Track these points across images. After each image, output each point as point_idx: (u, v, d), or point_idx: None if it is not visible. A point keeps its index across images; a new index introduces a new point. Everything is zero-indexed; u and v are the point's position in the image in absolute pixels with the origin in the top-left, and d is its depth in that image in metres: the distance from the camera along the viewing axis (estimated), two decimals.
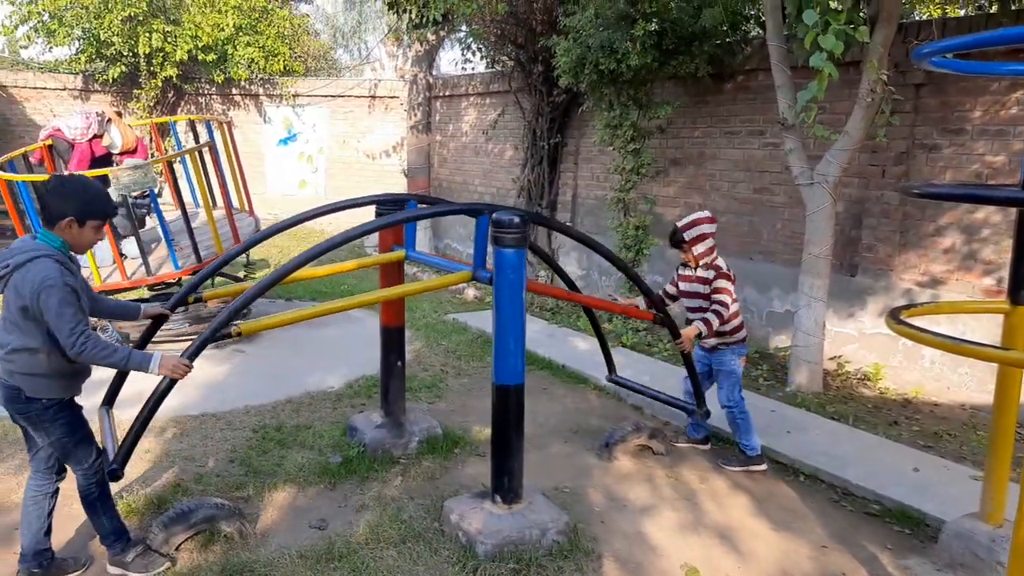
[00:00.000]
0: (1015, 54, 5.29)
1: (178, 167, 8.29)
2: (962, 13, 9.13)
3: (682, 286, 4.65)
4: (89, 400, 3.35)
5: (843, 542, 3.75)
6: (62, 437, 3.08)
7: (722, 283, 4.41)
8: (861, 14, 5.45)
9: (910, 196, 4.02)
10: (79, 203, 2.94)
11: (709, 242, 4.45)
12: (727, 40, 7.29)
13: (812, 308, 5.90)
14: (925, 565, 3.52)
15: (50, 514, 3.24)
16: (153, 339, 3.89)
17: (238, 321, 3.20)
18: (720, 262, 4.50)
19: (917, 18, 8.87)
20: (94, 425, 3.29)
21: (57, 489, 3.27)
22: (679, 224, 4.50)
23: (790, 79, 5.83)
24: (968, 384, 5.73)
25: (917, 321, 3.21)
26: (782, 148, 6.19)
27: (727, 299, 4.39)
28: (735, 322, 4.52)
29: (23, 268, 2.84)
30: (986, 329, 5.48)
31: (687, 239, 4.43)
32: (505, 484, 3.58)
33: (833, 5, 4.52)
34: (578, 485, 4.28)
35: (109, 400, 3.79)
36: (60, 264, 2.88)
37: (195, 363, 3.08)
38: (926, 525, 3.85)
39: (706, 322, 4.32)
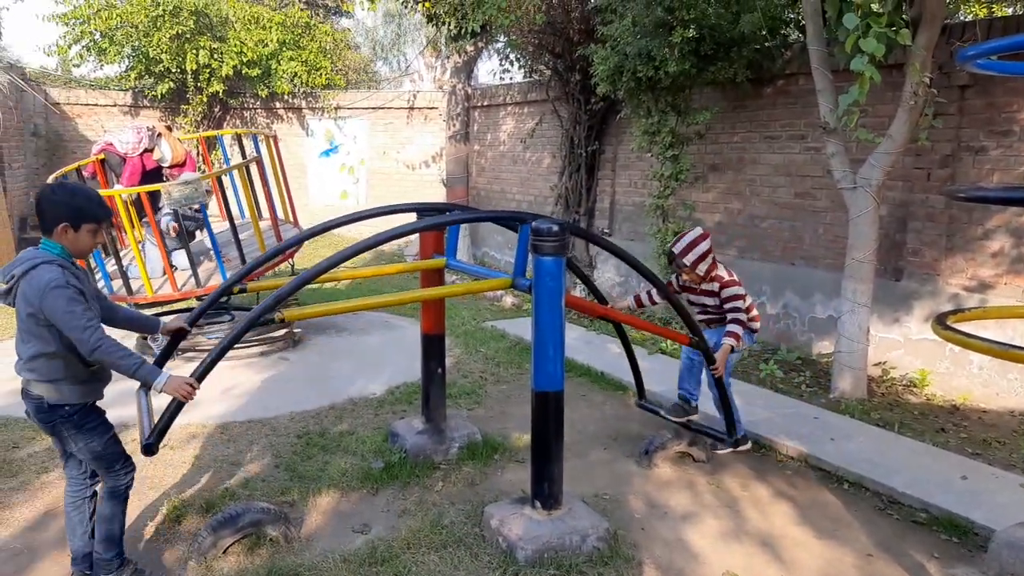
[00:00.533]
0: None
1: (225, 180, 8.49)
2: (1010, 12, 8.94)
3: (689, 297, 4.67)
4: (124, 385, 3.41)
5: (889, 551, 3.69)
6: (89, 443, 3.12)
7: (730, 291, 4.44)
8: (904, 16, 5.38)
9: (956, 200, 3.95)
10: (71, 208, 2.96)
11: (709, 259, 4.45)
12: (766, 45, 7.24)
13: (856, 313, 5.81)
14: (974, 575, 3.45)
15: (91, 518, 3.30)
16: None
17: (281, 309, 3.25)
18: (720, 271, 4.50)
19: (962, 18, 8.71)
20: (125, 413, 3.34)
21: (94, 493, 3.32)
22: (675, 250, 4.47)
23: (831, 83, 5.77)
24: (1017, 390, 5.59)
25: (964, 326, 3.16)
26: (823, 152, 6.13)
27: (741, 304, 4.44)
28: (751, 313, 4.58)
29: (27, 276, 2.89)
30: None
31: (688, 264, 4.42)
32: (545, 490, 3.60)
33: (875, 7, 4.46)
34: (618, 492, 4.28)
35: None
36: (62, 268, 2.92)
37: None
38: (975, 534, 3.77)
39: (732, 335, 4.35)
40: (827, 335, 6.80)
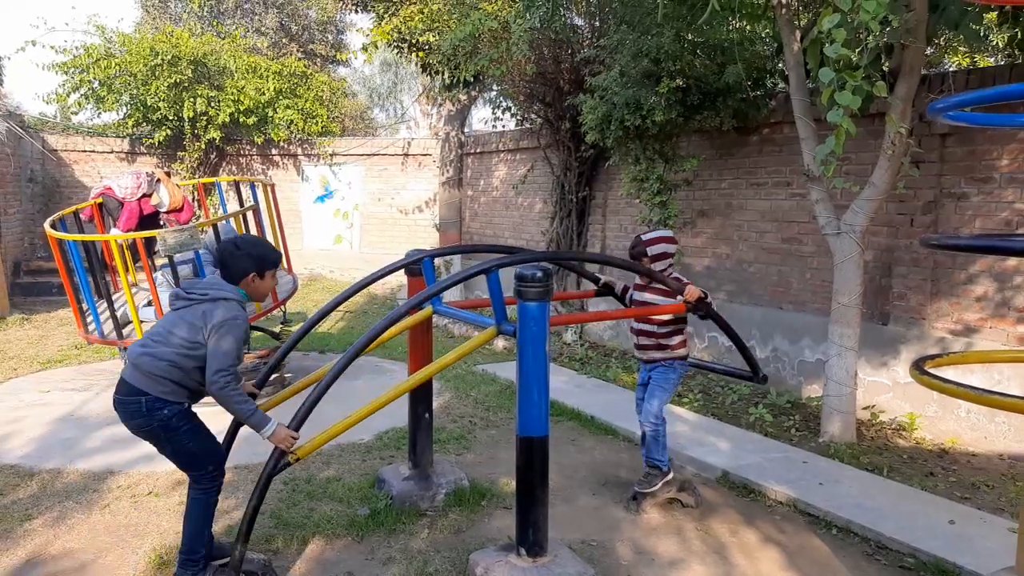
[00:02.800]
0: None
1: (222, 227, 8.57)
2: (992, 62, 9.17)
3: (634, 294, 4.63)
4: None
5: None
6: (187, 443, 3.33)
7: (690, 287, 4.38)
8: (884, 67, 5.53)
9: (929, 247, 4.01)
10: (256, 259, 3.42)
11: (667, 262, 4.46)
12: (751, 95, 7.41)
13: (843, 357, 5.85)
14: None
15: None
16: None
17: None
18: (679, 276, 4.53)
19: (947, 67, 8.92)
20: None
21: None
22: (643, 237, 4.51)
23: (814, 131, 5.90)
24: (1006, 433, 5.60)
25: (946, 371, 3.20)
26: (808, 198, 6.23)
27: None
28: (680, 337, 4.55)
29: (220, 302, 3.28)
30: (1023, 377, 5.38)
31: (649, 253, 4.43)
32: (530, 537, 3.59)
33: (854, 59, 4.59)
34: (606, 538, 4.26)
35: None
36: (246, 316, 3.39)
37: (228, 417, 3.36)
38: None
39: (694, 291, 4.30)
40: (816, 379, 6.83)
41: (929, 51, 6.62)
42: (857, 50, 4.67)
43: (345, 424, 3.52)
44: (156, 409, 3.26)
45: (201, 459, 3.40)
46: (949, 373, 3.32)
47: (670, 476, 4.59)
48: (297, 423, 3.34)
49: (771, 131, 7.51)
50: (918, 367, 2.92)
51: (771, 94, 7.49)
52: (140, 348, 3.33)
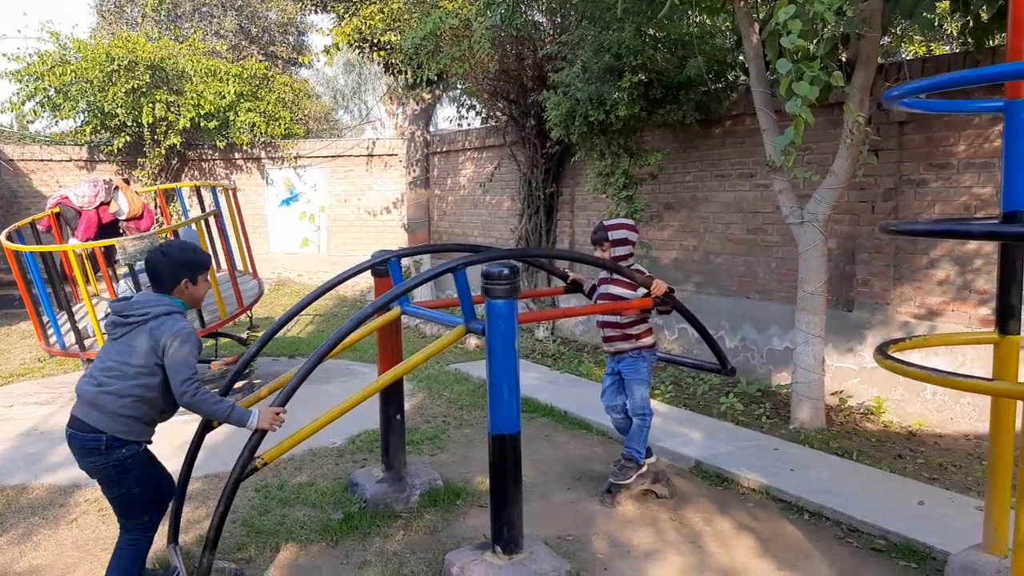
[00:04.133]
0: (995, 90, 5.41)
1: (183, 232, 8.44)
2: (947, 50, 9.33)
3: (600, 289, 4.62)
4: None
5: None
6: (134, 487, 3.20)
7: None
8: (841, 57, 5.61)
9: (888, 234, 4.06)
10: (186, 264, 3.30)
11: (628, 248, 4.48)
12: (713, 87, 7.46)
13: (810, 344, 5.92)
14: None
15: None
16: None
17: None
18: (640, 268, 4.53)
19: (903, 56, 9.07)
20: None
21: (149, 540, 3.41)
22: (605, 223, 4.53)
23: (775, 122, 5.96)
24: (970, 414, 5.71)
25: (908, 355, 3.25)
26: (772, 189, 6.29)
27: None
28: (645, 326, 4.57)
29: (164, 318, 3.16)
30: (986, 359, 5.48)
31: (611, 238, 4.44)
32: (504, 534, 3.58)
33: (811, 50, 4.64)
34: (581, 533, 4.26)
35: (175, 538, 3.79)
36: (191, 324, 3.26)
37: (195, 426, 3.26)
38: (932, 559, 3.82)
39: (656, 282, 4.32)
40: (785, 366, 6.91)
41: (885, 40, 6.73)
42: (814, 41, 4.71)
43: (314, 427, 3.46)
44: (114, 448, 3.12)
45: (141, 507, 3.25)
46: (914, 357, 3.38)
47: (644, 468, 4.61)
48: (283, 398, 3.32)
49: (733, 123, 7.57)
50: (882, 352, 2.96)
51: (732, 86, 7.55)
52: (96, 387, 3.14)
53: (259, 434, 3.25)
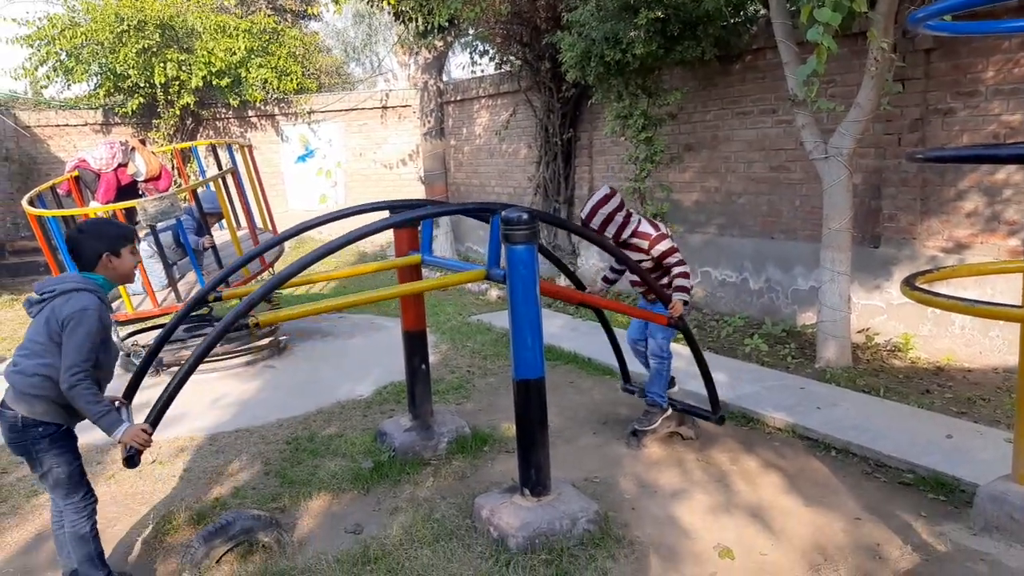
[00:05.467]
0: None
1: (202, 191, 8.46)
2: None
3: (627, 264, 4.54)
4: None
5: (876, 513, 3.72)
6: (56, 466, 3.11)
7: (662, 246, 4.27)
8: None
9: (915, 161, 3.96)
10: (105, 238, 3.12)
11: (617, 219, 4.26)
12: (732, 21, 7.25)
13: (836, 282, 5.85)
14: (960, 530, 3.49)
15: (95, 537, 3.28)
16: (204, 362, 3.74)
17: (256, 314, 3.21)
18: (644, 227, 4.32)
19: None
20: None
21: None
22: (583, 215, 4.33)
23: (797, 55, 5.80)
24: (1000, 347, 5.64)
25: (937, 286, 3.19)
26: (794, 124, 6.15)
27: (679, 256, 4.31)
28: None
29: (68, 295, 3.00)
30: (1016, 292, 5.39)
31: (595, 226, 4.28)
32: (533, 477, 3.62)
33: None
34: (608, 475, 4.30)
35: (127, 396, 3.61)
36: (101, 301, 3.05)
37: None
38: (961, 491, 3.81)
39: (681, 288, 4.25)
40: (810, 306, 6.84)
41: None
42: None
43: (314, 308, 3.47)
44: (29, 426, 3.05)
45: (66, 488, 3.16)
46: (941, 289, 3.32)
47: (668, 412, 4.62)
48: (155, 416, 3.06)
49: (754, 58, 7.38)
50: (909, 283, 2.92)
51: (752, 20, 7.34)
52: (11, 367, 3.07)
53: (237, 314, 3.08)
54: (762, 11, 7.42)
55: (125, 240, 3.19)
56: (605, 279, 4.72)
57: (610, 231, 4.28)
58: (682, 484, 4.16)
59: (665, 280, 4.41)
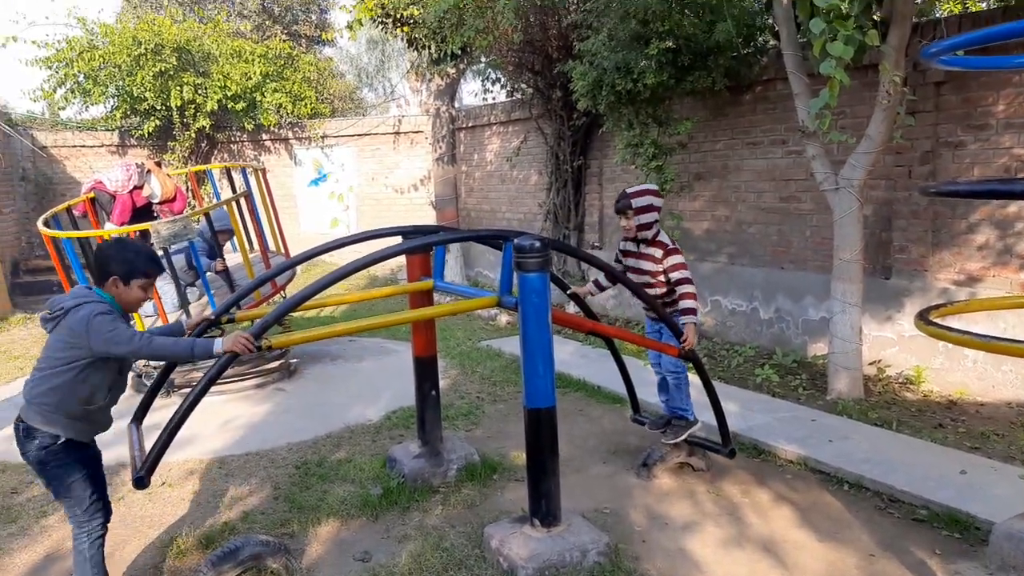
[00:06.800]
0: None
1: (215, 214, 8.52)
2: (984, 6, 9.04)
3: (627, 262, 4.59)
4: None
5: (891, 549, 3.68)
6: (66, 478, 3.16)
7: (675, 259, 4.33)
8: (875, 16, 5.45)
9: (928, 195, 3.98)
10: (121, 263, 3.16)
11: (653, 215, 4.36)
12: (742, 52, 7.31)
13: (847, 314, 5.84)
14: (976, 569, 3.45)
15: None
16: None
17: (268, 337, 3.25)
18: (663, 237, 4.41)
19: (938, 15, 8.80)
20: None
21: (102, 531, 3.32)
22: (628, 190, 4.42)
23: (808, 86, 5.84)
24: (1013, 382, 5.61)
25: (950, 321, 3.18)
26: (805, 155, 6.18)
27: (687, 274, 4.33)
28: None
29: (75, 309, 3.05)
30: None
31: (634, 206, 4.33)
32: (543, 507, 3.60)
33: (843, 9, 4.51)
34: (619, 505, 4.27)
35: (138, 417, 3.77)
36: (109, 306, 3.11)
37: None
38: (976, 528, 3.77)
39: (689, 311, 4.26)
40: (821, 337, 6.82)
41: None
42: (847, 0, 4.59)
43: (327, 331, 3.56)
44: (31, 436, 3.10)
45: (71, 500, 3.19)
46: (954, 323, 3.31)
47: (698, 425, 4.60)
48: (257, 330, 3.17)
49: (764, 89, 7.43)
50: (923, 317, 2.91)
51: (762, 51, 7.40)
52: (28, 385, 3.15)
53: (167, 435, 3.11)
54: (772, 42, 7.49)
55: (139, 274, 3.20)
56: (596, 282, 4.70)
57: (642, 219, 4.34)
58: (693, 516, 4.13)
59: (671, 299, 4.41)
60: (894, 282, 6.40)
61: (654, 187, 4.48)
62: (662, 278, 4.41)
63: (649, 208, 4.36)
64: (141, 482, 3.12)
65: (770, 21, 7.26)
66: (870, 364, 6.35)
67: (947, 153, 6.00)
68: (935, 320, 2.90)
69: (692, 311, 4.27)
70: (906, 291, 6.29)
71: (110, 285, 3.16)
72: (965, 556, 3.58)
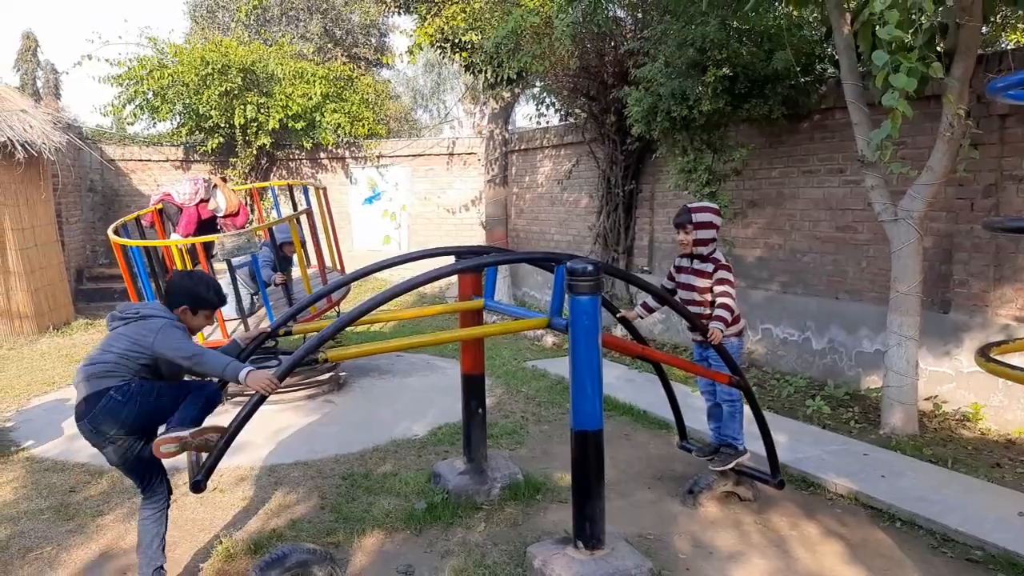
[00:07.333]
0: None
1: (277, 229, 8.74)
2: None
3: (679, 278, 4.60)
4: None
5: None
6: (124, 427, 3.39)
7: (724, 274, 4.37)
8: (938, 47, 5.39)
9: (993, 231, 3.90)
10: (192, 295, 3.53)
11: (712, 232, 4.41)
12: (801, 81, 7.27)
13: (903, 347, 5.71)
14: None
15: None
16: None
17: (325, 350, 3.36)
18: (719, 255, 4.46)
19: (1005, 46, 8.62)
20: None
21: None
22: (690, 205, 4.49)
23: (867, 116, 5.78)
24: None
25: (1011, 358, 3.10)
26: (863, 185, 6.10)
27: (732, 289, 4.34)
28: (740, 323, 4.52)
29: (148, 319, 3.40)
30: None
31: (695, 220, 4.38)
32: (587, 530, 3.59)
33: (907, 41, 4.47)
34: (663, 532, 4.24)
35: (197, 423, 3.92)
36: (180, 324, 3.47)
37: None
38: None
39: (720, 318, 4.24)
40: (875, 370, 6.68)
41: (985, 30, 6.41)
42: (911, 31, 4.56)
43: (382, 347, 3.66)
44: (125, 389, 3.32)
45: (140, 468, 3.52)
46: (1016, 360, 3.22)
47: (746, 455, 4.55)
48: (282, 373, 3.27)
49: (822, 117, 7.36)
50: (983, 354, 2.84)
51: (821, 80, 7.34)
52: (84, 367, 3.39)
53: (224, 443, 3.27)
54: (831, 71, 7.43)
55: (208, 306, 3.59)
56: (644, 304, 4.71)
57: (700, 235, 4.40)
58: (739, 547, 4.07)
59: (709, 312, 4.41)
60: (953, 316, 6.24)
61: (715, 206, 4.53)
62: (709, 296, 4.42)
63: (709, 225, 4.41)
64: (198, 486, 3.24)
65: (830, 51, 7.21)
66: (926, 399, 6.19)
67: (1011, 186, 5.86)
68: (995, 357, 2.83)
69: (723, 319, 4.26)
70: (965, 326, 6.13)
71: (180, 311, 3.51)
72: None
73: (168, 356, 3.33)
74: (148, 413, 3.39)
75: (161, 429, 3.39)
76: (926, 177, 5.49)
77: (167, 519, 3.66)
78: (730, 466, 4.51)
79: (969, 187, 6.08)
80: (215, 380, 3.59)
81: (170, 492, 3.71)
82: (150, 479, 3.60)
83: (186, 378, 3.62)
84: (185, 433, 3.24)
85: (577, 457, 3.60)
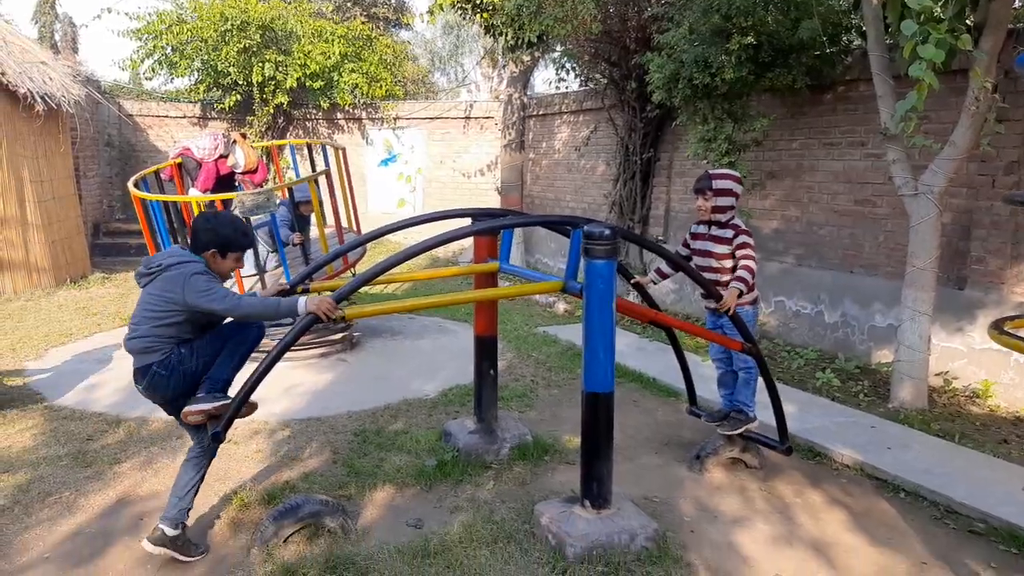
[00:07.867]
0: None
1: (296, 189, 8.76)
2: None
3: (695, 245, 4.57)
4: None
5: (944, 559, 3.63)
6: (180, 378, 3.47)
7: (746, 239, 4.35)
8: (968, 20, 5.29)
9: (1013, 204, 3.86)
10: (220, 237, 3.47)
11: (731, 200, 4.38)
12: (826, 51, 7.16)
13: (916, 322, 5.70)
14: None
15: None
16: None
17: (341, 307, 3.38)
18: (739, 222, 4.43)
19: None
20: None
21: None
22: (711, 171, 4.45)
23: (892, 89, 5.70)
24: None
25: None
26: (884, 158, 6.04)
27: (753, 254, 4.33)
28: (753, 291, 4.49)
29: (173, 268, 3.35)
30: None
31: (714, 187, 4.35)
32: (594, 489, 3.65)
33: (936, 12, 4.40)
34: (668, 496, 4.30)
35: None
36: (204, 267, 3.42)
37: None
38: None
39: (741, 279, 4.23)
40: (887, 344, 6.68)
41: (1017, 4, 6.29)
42: (940, 2, 4.47)
43: (399, 305, 3.73)
44: (167, 363, 3.39)
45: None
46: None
47: (755, 422, 4.58)
48: (340, 295, 3.33)
49: (846, 89, 7.27)
50: (997, 327, 2.85)
51: (847, 50, 7.24)
52: (128, 338, 3.45)
53: (240, 399, 3.32)
54: (857, 42, 7.32)
55: (237, 247, 3.55)
56: (658, 270, 4.70)
57: (720, 201, 4.37)
58: (743, 512, 4.12)
59: (726, 279, 4.38)
60: (968, 293, 6.22)
61: (736, 174, 4.49)
62: (728, 263, 4.41)
63: (728, 192, 4.38)
64: (217, 437, 3.35)
65: (857, 20, 7.09)
66: (936, 375, 6.19)
67: None
68: (1009, 330, 2.84)
69: (743, 280, 4.25)
70: (980, 303, 6.11)
71: (209, 256, 3.46)
72: (1021, 572, 3.50)
73: (203, 307, 3.31)
74: (192, 376, 3.47)
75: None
76: (949, 152, 5.44)
77: (205, 468, 3.67)
78: (739, 431, 4.55)
79: (991, 163, 6.01)
80: (254, 324, 3.60)
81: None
82: (201, 431, 3.62)
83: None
84: (209, 407, 3.39)
85: (587, 418, 3.64)
